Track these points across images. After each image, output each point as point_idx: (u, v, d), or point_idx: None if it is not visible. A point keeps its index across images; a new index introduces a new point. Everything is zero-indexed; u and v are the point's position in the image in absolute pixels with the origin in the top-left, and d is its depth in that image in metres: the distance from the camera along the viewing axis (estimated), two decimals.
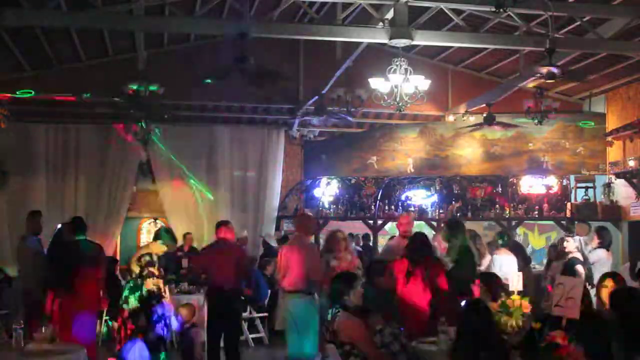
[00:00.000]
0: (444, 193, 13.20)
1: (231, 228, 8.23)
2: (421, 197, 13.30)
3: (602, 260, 9.01)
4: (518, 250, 10.10)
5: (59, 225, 8.44)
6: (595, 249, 9.09)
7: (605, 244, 9.12)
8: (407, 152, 13.33)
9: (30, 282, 8.40)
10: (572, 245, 9.09)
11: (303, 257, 7.35)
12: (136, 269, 6.99)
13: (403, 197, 13.35)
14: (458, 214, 12.59)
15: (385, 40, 7.94)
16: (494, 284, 5.93)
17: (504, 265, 8.57)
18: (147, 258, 7.01)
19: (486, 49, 11.73)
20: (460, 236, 7.45)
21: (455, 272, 7.08)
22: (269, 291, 11.28)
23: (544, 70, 7.80)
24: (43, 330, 5.67)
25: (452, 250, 7.52)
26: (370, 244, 13.16)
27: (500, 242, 9.05)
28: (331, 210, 13.59)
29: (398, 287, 6.58)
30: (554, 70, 7.80)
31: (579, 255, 9.13)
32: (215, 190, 13.45)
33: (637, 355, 4.28)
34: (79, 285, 7.15)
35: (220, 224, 8.25)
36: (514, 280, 6.80)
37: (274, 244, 12.94)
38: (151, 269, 6.91)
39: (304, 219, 8.38)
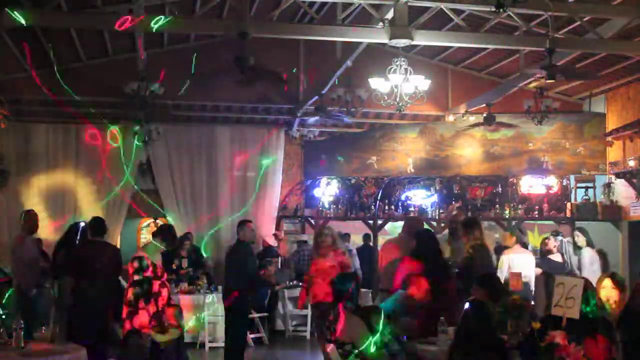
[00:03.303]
0: (444, 193, 13.19)
1: (243, 228, 8.30)
2: (421, 197, 13.30)
3: (593, 258, 9.08)
4: None
5: (82, 224, 8.42)
6: (584, 247, 9.15)
7: (590, 242, 9.21)
8: (407, 152, 13.33)
9: (27, 282, 8.41)
10: (552, 243, 9.16)
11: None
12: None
13: (403, 197, 13.35)
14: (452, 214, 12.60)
15: (385, 40, 7.94)
16: (492, 285, 5.92)
17: (514, 265, 8.57)
18: (136, 264, 6.94)
19: (486, 49, 11.72)
20: (476, 233, 7.43)
21: (467, 270, 7.07)
22: (269, 291, 11.30)
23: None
24: (43, 331, 5.67)
25: (461, 249, 7.52)
26: (371, 243, 13.15)
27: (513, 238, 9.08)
28: (331, 210, 13.59)
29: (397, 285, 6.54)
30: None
31: (557, 257, 9.17)
32: (215, 190, 13.45)
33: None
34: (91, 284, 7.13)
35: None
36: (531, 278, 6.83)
37: (274, 243, 12.95)
38: (136, 276, 6.84)
39: (413, 221, 8.28)
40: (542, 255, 9.56)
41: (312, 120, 12.64)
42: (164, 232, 7.49)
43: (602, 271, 9.01)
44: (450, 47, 11.99)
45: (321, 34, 8.63)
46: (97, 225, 7.68)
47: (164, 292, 7.00)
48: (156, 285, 6.88)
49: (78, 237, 8.17)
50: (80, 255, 7.48)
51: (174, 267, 10.70)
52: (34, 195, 12.46)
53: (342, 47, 10.58)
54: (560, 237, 9.50)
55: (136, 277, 6.81)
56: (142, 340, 6.60)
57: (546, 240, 9.55)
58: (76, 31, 10.44)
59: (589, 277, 7.89)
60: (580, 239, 9.40)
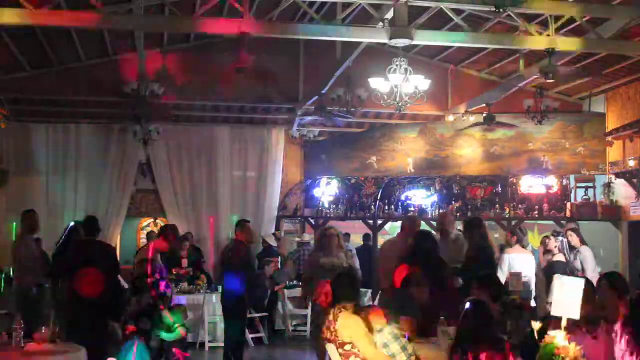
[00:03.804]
0: (444, 193, 13.19)
1: (242, 228, 8.28)
2: (421, 197, 13.30)
3: (591, 257, 9.09)
4: None
5: (72, 224, 8.42)
6: (580, 247, 9.15)
7: (584, 241, 9.20)
8: (407, 152, 13.33)
9: (27, 282, 8.41)
10: (552, 244, 9.14)
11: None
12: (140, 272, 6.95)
13: (403, 197, 13.35)
14: (458, 214, 12.59)
15: (385, 40, 7.93)
16: (493, 284, 5.91)
17: (515, 264, 8.58)
18: (150, 267, 6.92)
19: (486, 49, 11.72)
20: (477, 233, 7.42)
21: (467, 271, 7.05)
22: (269, 291, 11.30)
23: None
24: (43, 330, 5.67)
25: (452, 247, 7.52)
26: (371, 243, 13.15)
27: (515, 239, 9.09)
28: (331, 210, 13.59)
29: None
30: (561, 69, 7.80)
31: (561, 257, 9.16)
32: (215, 190, 13.45)
33: None
34: (86, 286, 7.11)
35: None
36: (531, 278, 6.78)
37: (274, 243, 12.95)
38: (150, 279, 6.84)
39: (411, 221, 8.29)
40: (544, 255, 9.53)
41: (309, 119, 12.64)
42: (166, 232, 7.49)
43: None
44: (450, 47, 11.99)
45: (321, 34, 8.62)
46: (91, 224, 7.65)
47: (169, 292, 7.01)
48: (162, 285, 6.90)
49: (64, 237, 8.17)
50: (75, 255, 7.46)
51: (173, 272, 10.70)
52: (34, 195, 12.46)
53: (342, 47, 10.58)
54: (560, 237, 9.49)
55: (150, 280, 6.82)
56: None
57: (546, 241, 9.51)
58: (76, 31, 10.44)
59: (593, 275, 7.92)
60: (575, 239, 9.39)
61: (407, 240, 7.67)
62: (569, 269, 9.12)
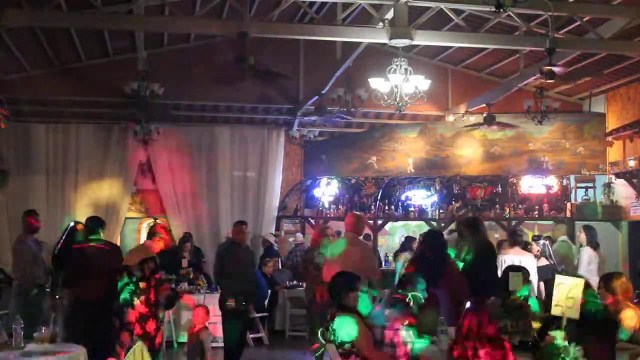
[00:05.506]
0: (444, 193, 13.19)
1: (237, 229, 8.27)
2: (421, 197, 13.30)
3: (591, 258, 9.05)
4: None
5: (72, 224, 8.41)
6: (583, 247, 9.13)
7: (591, 242, 9.16)
8: (407, 152, 13.33)
9: (27, 282, 8.41)
10: (534, 249, 9.09)
11: (358, 255, 7.35)
12: (138, 274, 6.94)
13: (403, 197, 13.35)
14: (458, 214, 12.60)
15: (385, 40, 7.95)
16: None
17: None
18: (152, 265, 6.94)
19: (486, 49, 11.73)
20: (477, 232, 7.40)
21: (471, 271, 7.04)
22: (269, 291, 11.30)
23: (545, 69, 7.82)
24: (43, 330, 5.67)
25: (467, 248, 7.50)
26: (371, 243, 13.14)
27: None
28: (331, 210, 13.59)
29: None
30: (555, 69, 7.81)
31: (543, 262, 9.11)
32: (215, 190, 13.45)
33: None
34: (91, 286, 7.10)
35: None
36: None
37: (274, 244, 12.95)
38: (158, 275, 6.88)
39: (354, 218, 8.26)
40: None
41: (311, 119, 12.65)
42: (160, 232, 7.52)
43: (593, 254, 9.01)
44: (450, 47, 11.99)
45: (321, 34, 8.62)
46: (94, 224, 7.64)
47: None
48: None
49: (64, 237, 8.16)
50: (78, 255, 7.45)
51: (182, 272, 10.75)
52: (34, 195, 12.45)
53: (342, 47, 10.58)
54: (542, 241, 9.43)
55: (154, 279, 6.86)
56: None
57: (529, 247, 9.45)
58: (76, 31, 10.44)
59: (585, 276, 7.89)
60: (582, 237, 9.35)
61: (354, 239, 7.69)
62: (556, 269, 9.07)
